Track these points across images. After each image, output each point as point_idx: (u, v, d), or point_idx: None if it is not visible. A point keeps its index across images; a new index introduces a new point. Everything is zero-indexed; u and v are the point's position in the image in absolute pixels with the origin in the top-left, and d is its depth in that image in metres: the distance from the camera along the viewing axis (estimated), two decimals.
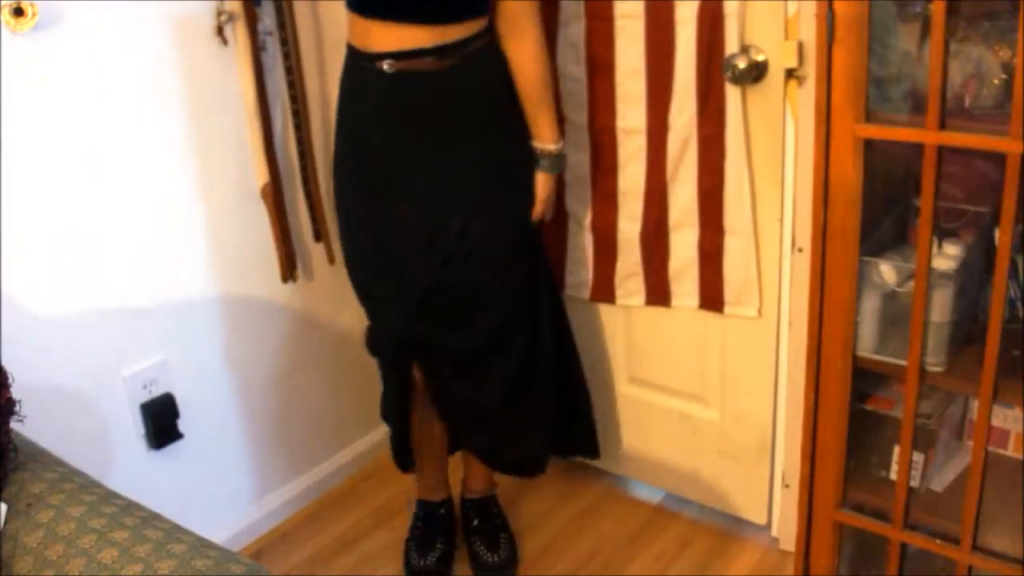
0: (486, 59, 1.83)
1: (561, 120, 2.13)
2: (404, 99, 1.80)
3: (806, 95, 1.79)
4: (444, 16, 1.75)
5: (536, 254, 2.02)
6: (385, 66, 1.77)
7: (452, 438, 2.21)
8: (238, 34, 2.04)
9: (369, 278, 1.97)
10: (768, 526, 2.23)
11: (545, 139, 1.89)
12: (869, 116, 1.53)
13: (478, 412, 2.06)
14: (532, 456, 2.16)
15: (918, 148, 1.49)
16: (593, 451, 2.30)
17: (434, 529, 2.24)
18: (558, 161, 1.93)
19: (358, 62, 1.82)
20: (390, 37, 1.75)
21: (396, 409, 2.08)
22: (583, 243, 2.22)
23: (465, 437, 2.16)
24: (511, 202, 1.93)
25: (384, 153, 1.85)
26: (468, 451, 2.21)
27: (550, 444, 2.17)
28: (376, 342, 2.02)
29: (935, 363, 1.62)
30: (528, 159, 1.91)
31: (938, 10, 1.38)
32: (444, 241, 1.86)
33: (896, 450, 1.73)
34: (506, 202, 1.92)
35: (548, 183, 1.94)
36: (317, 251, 2.34)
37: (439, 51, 1.76)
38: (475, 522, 2.23)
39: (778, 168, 1.92)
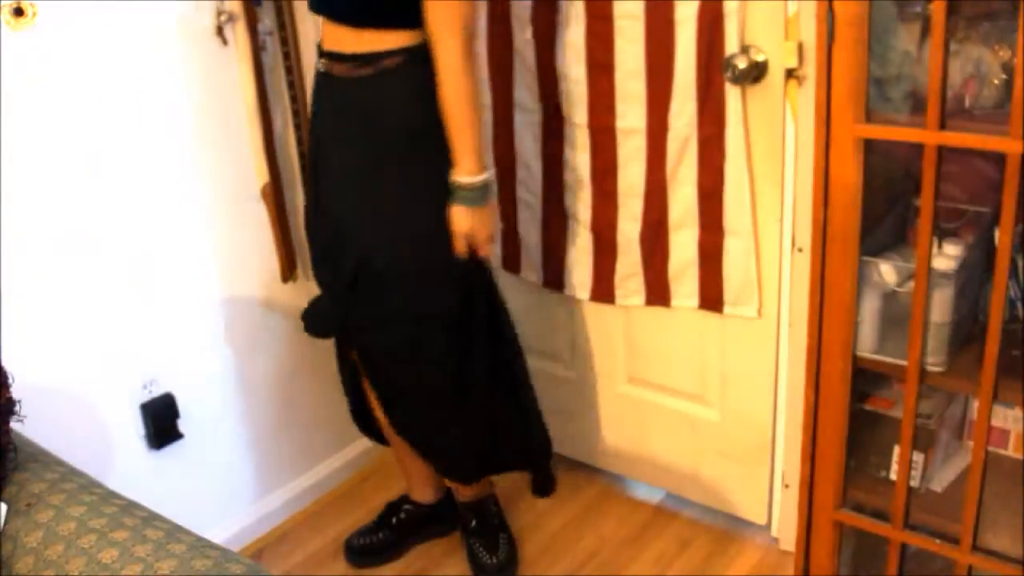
0: (405, 77, 1.71)
1: (563, 120, 2.13)
2: (330, 101, 1.81)
3: (806, 95, 1.79)
4: (360, 18, 1.69)
5: (468, 287, 1.88)
6: (320, 64, 1.80)
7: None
8: (238, 34, 2.04)
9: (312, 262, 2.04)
10: (768, 526, 2.23)
11: (460, 169, 1.73)
12: (869, 116, 1.53)
13: (408, 407, 2.03)
14: (457, 469, 2.12)
15: (918, 148, 1.49)
16: (545, 490, 2.22)
17: (385, 522, 2.27)
18: (477, 194, 1.74)
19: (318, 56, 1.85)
20: (328, 35, 1.77)
21: (343, 377, 2.13)
22: (583, 243, 2.22)
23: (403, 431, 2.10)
24: (423, 236, 1.80)
25: (315, 151, 1.89)
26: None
27: (481, 464, 2.11)
28: (304, 315, 2.02)
29: (935, 363, 1.62)
30: (430, 185, 1.77)
31: (938, 10, 1.38)
32: (344, 262, 1.84)
33: (896, 450, 1.73)
34: (416, 235, 1.80)
35: (466, 216, 1.76)
36: None
37: (355, 59, 1.72)
38: (473, 523, 2.22)
39: (778, 168, 1.92)
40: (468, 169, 1.73)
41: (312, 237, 1.99)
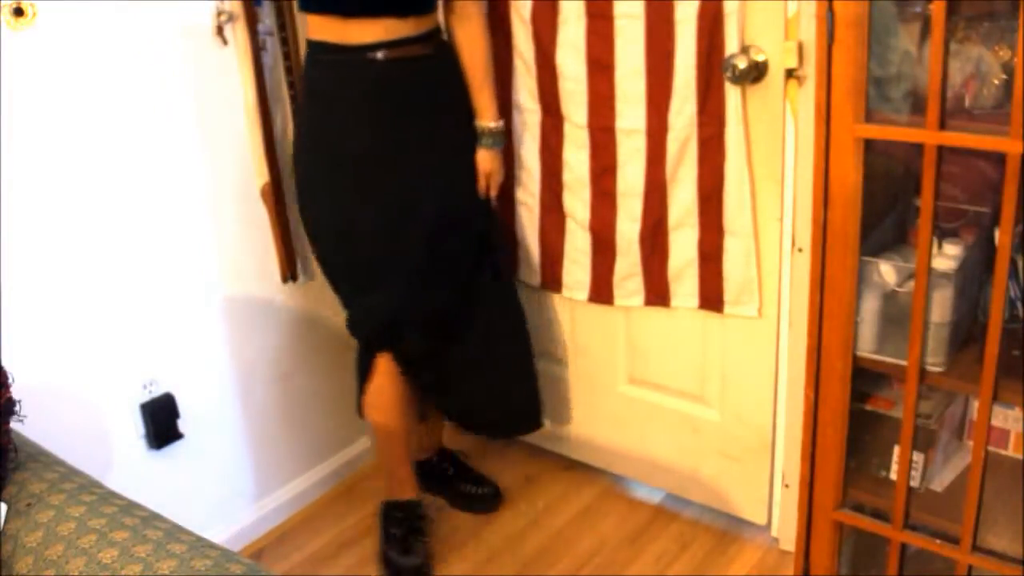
0: (450, 48, 2.01)
1: (562, 120, 2.13)
2: (396, 85, 1.90)
3: (806, 95, 1.79)
4: (422, 7, 1.89)
5: (488, 219, 2.16)
6: (379, 55, 1.86)
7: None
8: (238, 34, 2.04)
9: (357, 267, 2.03)
10: (768, 526, 2.23)
11: (488, 117, 2.04)
12: (869, 116, 1.53)
13: (463, 370, 2.17)
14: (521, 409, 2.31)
15: (918, 148, 1.49)
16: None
17: (415, 527, 2.23)
18: (501, 137, 2.08)
19: (338, 55, 1.88)
20: (374, 29, 1.85)
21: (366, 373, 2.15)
22: (581, 243, 2.22)
23: (453, 402, 2.28)
24: (471, 176, 2.07)
25: (369, 142, 1.92)
26: (455, 418, 2.34)
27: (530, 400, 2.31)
28: (364, 326, 2.08)
29: (935, 363, 1.62)
30: (473, 138, 2.06)
31: (938, 10, 1.38)
32: (428, 219, 1.97)
33: (896, 450, 1.73)
34: (469, 176, 2.07)
35: (491, 158, 2.07)
36: None
37: (423, 38, 1.90)
38: (450, 470, 2.44)
39: (778, 168, 1.92)
40: (493, 116, 2.05)
41: (395, 237, 1.98)
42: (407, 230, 1.97)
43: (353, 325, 2.10)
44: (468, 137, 2.06)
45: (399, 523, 2.23)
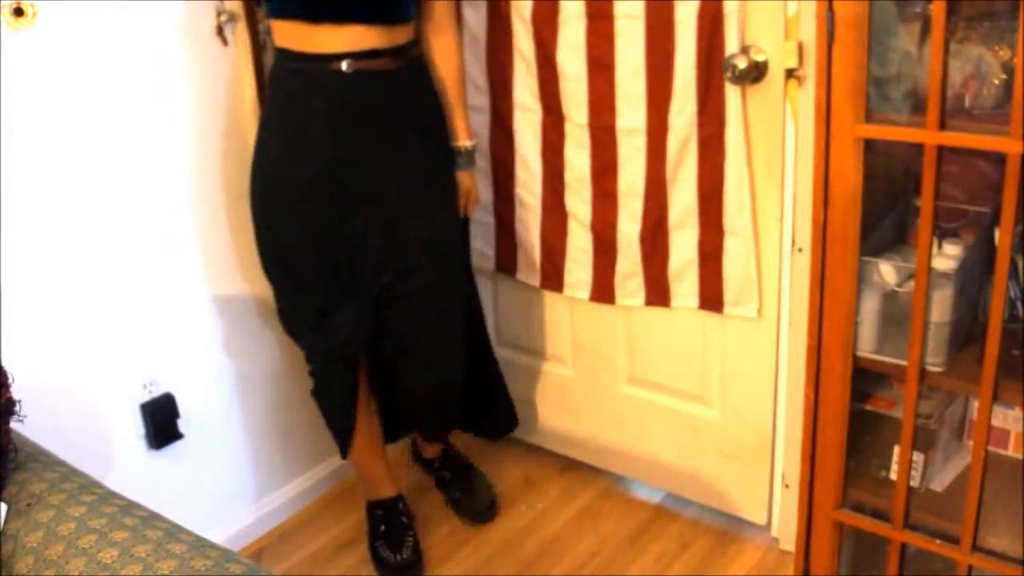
0: (424, 64, 1.96)
1: (563, 119, 2.13)
2: (362, 98, 1.82)
3: (806, 95, 1.79)
4: (393, 17, 1.81)
5: (467, 240, 2.22)
6: (344, 66, 1.79)
7: (389, 427, 2.31)
8: (238, 34, 2.05)
9: (323, 287, 1.95)
10: (768, 526, 2.23)
11: (464, 136, 2.03)
12: (869, 116, 1.53)
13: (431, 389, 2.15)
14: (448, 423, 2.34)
15: (918, 148, 1.49)
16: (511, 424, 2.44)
17: (399, 523, 2.25)
18: (474, 156, 2.08)
19: (303, 64, 1.81)
20: (341, 38, 1.78)
21: (348, 403, 2.13)
22: (583, 243, 2.22)
23: (412, 417, 2.29)
24: (451, 196, 2.03)
25: (333, 156, 1.85)
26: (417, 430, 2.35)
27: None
28: (333, 346, 2.02)
29: (935, 363, 1.62)
30: (452, 158, 2.04)
31: (938, 10, 1.38)
32: (401, 237, 1.91)
33: (896, 450, 1.73)
34: (449, 196, 2.03)
35: (468, 176, 2.07)
36: None
37: (393, 52, 1.83)
38: (448, 475, 2.43)
39: (778, 168, 1.92)
40: (468, 134, 2.05)
41: (357, 248, 1.91)
42: (373, 247, 1.91)
43: (324, 341, 2.01)
44: (444, 156, 2.01)
45: (383, 521, 2.25)
